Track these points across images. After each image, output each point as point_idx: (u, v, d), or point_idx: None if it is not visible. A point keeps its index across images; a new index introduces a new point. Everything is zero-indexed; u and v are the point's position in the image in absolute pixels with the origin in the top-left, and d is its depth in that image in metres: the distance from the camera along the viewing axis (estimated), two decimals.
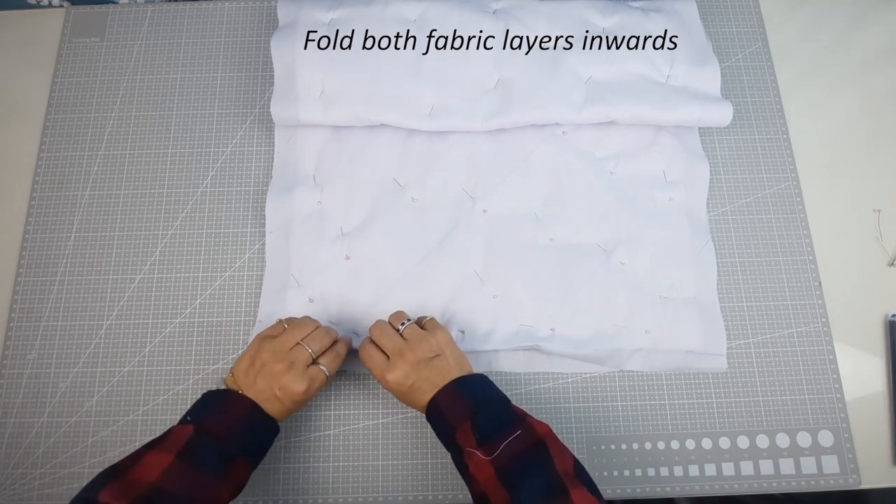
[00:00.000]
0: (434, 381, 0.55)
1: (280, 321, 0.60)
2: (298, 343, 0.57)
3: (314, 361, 0.57)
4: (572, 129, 0.72)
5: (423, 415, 0.57)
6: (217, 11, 0.79)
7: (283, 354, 0.56)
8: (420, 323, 0.60)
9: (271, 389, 0.55)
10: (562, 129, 0.72)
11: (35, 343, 0.66)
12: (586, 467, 0.62)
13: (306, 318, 0.61)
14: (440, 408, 0.54)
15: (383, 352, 0.58)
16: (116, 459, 0.61)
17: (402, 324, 0.59)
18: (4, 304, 0.67)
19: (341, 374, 0.65)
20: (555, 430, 0.62)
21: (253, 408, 0.54)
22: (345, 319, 0.65)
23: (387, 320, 0.61)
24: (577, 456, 0.63)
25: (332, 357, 0.59)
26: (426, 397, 0.55)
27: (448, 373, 0.56)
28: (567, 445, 0.62)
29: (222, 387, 0.57)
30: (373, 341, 0.59)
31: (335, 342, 0.60)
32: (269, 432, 0.56)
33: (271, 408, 0.55)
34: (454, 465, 0.54)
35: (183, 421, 0.53)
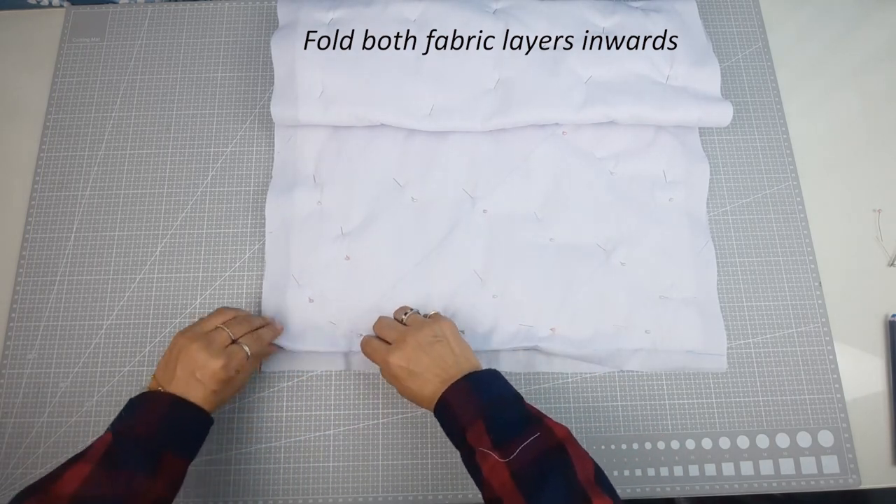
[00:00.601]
0: (436, 370, 0.55)
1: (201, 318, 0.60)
2: (218, 327, 0.57)
3: (234, 343, 0.57)
4: (572, 129, 0.72)
5: (427, 411, 0.56)
6: (217, 11, 0.79)
7: (200, 336, 0.56)
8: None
9: (191, 374, 0.54)
10: (562, 129, 0.72)
11: (35, 343, 0.66)
12: None
13: (225, 307, 0.61)
14: (450, 405, 0.53)
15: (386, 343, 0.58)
16: None
17: (405, 314, 0.60)
18: (4, 304, 0.67)
19: (341, 374, 0.65)
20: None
21: (173, 401, 0.53)
22: (345, 319, 0.65)
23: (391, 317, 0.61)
24: None
25: (254, 338, 0.59)
26: (429, 388, 0.54)
27: (453, 362, 0.55)
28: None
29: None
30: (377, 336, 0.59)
31: (260, 327, 0.60)
32: (196, 422, 0.54)
33: (195, 395, 0.54)
34: (463, 465, 0.53)
35: (106, 431, 0.52)
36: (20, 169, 0.72)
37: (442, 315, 0.60)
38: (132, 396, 0.54)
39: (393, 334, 0.58)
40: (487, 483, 0.48)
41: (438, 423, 0.55)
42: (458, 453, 0.62)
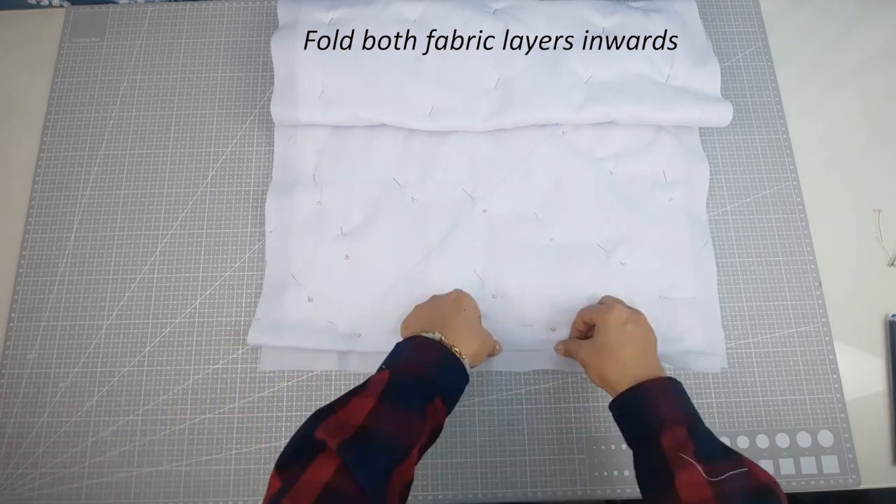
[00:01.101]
0: (642, 352, 0.55)
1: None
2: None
3: None
4: (572, 129, 0.72)
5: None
6: (217, 11, 0.79)
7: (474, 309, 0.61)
8: None
9: (439, 313, 0.58)
10: (562, 129, 0.72)
11: (35, 343, 0.66)
12: (586, 467, 0.62)
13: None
14: (651, 397, 0.51)
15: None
16: (116, 459, 0.62)
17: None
18: (4, 304, 0.67)
19: (341, 374, 0.65)
20: (556, 431, 0.62)
21: (443, 348, 0.54)
22: (344, 319, 0.65)
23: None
24: (577, 456, 0.63)
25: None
26: (634, 364, 0.53)
27: (656, 365, 0.55)
28: (567, 446, 0.63)
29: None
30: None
31: None
32: (460, 375, 0.54)
33: (454, 337, 0.55)
34: (634, 464, 0.51)
35: (379, 370, 0.53)
36: (20, 169, 0.72)
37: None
38: (399, 341, 0.56)
39: (619, 305, 0.58)
40: (677, 495, 0.45)
41: (613, 410, 0.54)
42: (457, 452, 0.62)
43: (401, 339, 0.57)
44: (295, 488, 0.41)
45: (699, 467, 0.45)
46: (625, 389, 0.52)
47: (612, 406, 0.54)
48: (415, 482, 0.61)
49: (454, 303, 0.60)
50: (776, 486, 0.46)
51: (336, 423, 0.46)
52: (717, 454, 0.47)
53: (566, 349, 0.62)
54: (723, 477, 0.45)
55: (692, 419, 0.50)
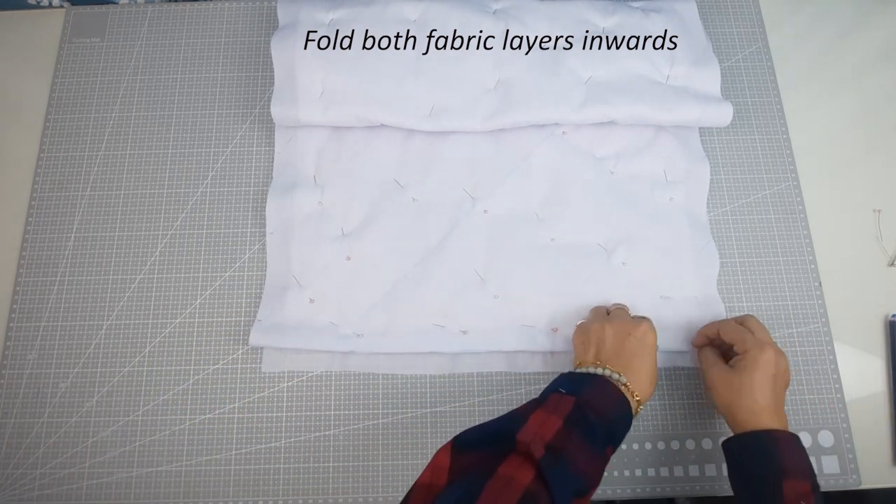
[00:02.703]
0: (774, 402, 0.54)
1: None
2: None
3: None
4: (572, 129, 0.72)
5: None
6: (217, 11, 0.79)
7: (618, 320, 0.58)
8: None
9: (650, 377, 0.55)
10: (562, 129, 0.72)
11: (35, 343, 0.66)
12: None
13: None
14: (779, 446, 0.52)
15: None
16: (116, 459, 0.62)
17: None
18: (4, 304, 0.67)
19: (341, 374, 0.65)
20: None
21: (621, 397, 0.52)
22: (345, 319, 0.65)
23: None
24: None
25: None
26: (761, 413, 0.53)
27: (782, 411, 0.55)
28: None
29: (584, 370, 0.55)
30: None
31: None
32: (628, 426, 0.53)
33: (639, 389, 0.54)
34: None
35: (554, 390, 0.51)
36: (20, 169, 0.72)
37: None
38: (564, 372, 0.55)
39: (759, 334, 0.57)
40: None
41: (726, 450, 0.55)
42: None
43: (575, 351, 0.56)
44: (496, 478, 0.41)
45: None
46: (752, 430, 0.53)
47: (730, 442, 0.54)
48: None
49: (642, 338, 0.56)
50: None
51: (534, 430, 0.46)
52: None
53: (701, 357, 0.60)
54: None
55: (815, 481, 0.51)
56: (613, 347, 0.56)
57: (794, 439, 0.53)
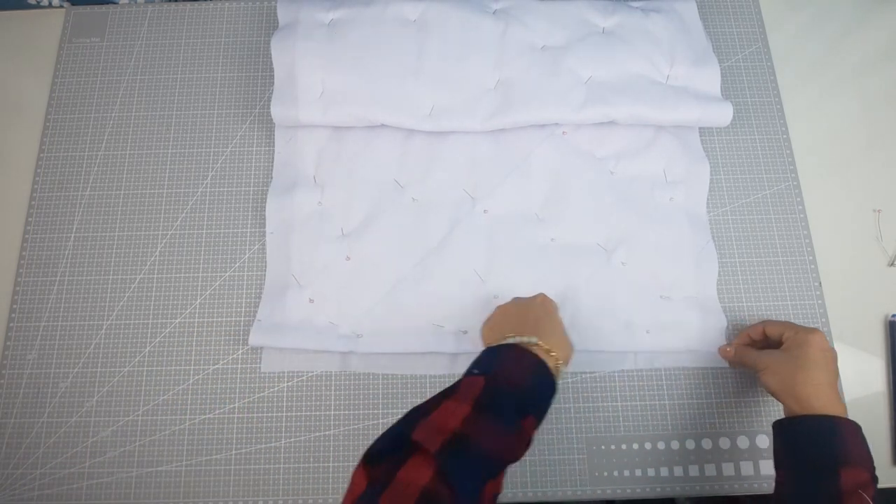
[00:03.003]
0: (831, 384, 0.54)
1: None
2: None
3: None
4: (572, 129, 0.72)
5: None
6: (217, 11, 0.79)
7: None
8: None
9: (562, 337, 0.56)
10: (562, 129, 0.72)
11: (35, 343, 0.66)
12: (586, 467, 0.62)
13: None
14: (842, 432, 0.52)
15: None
16: (116, 459, 0.62)
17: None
18: (4, 304, 0.67)
19: (341, 374, 0.65)
20: (556, 431, 0.61)
21: (540, 363, 0.52)
22: (345, 320, 0.65)
23: None
24: (577, 456, 0.63)
25: None
26: (822, 390, 0.53)
27: (837, 398, 0.55)
28: (567, 446, 0.63)
29: (506, 342, 0.54)
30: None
31: None
32: (551, 389, 0.52)
33: (561, 354, 0.54)
34: (783, 487, 0.52)
35: (469, 373, 0.51)
36: (20, 169, 0.72)
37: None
38: (490, 346, 0.54)
39: (794, 324, 0.59)
40: None
41: (775, 430, 0.55)
42: None
43: (484, 344, 0.56)
44: (392, 487, 0.40)
45: None
46: (813, 414, 0.53)
47: (785, 423, 0.54)
48: None
49: (542, 305, 0.58)
50: None
51: (433, 425, 0.45)
52: None
53: (739, 355, 0.61)
54: None
55: (874, 473, 0.51)
56: (517, 318, 0.57)
57: (857, 428, 0.53)
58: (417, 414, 0.46)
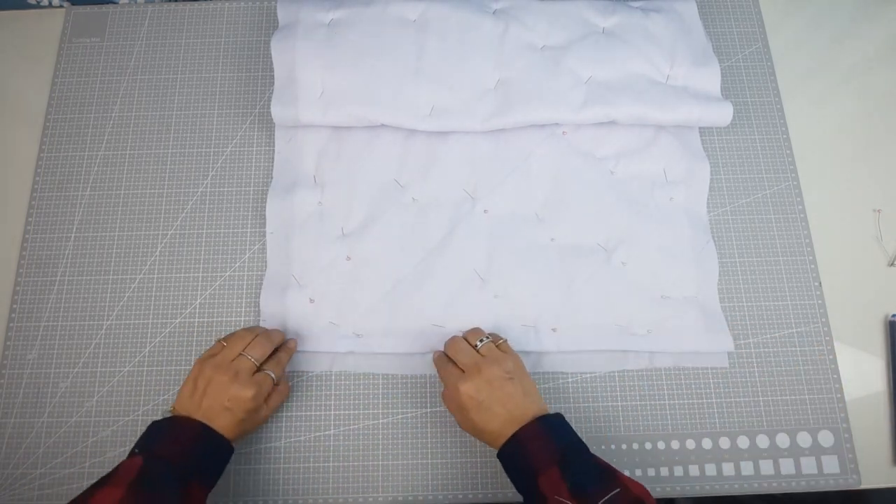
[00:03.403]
0: (505, 405, 0.54)
1: (218, 340, 0.59)
2: (240, 354, 0.57)
3: (259, 369, 0.57)
4: (572, 129, 0.72)
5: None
6: (217, 11, 0.79)
7: (227, 367, 0.56)
8: (494, 342, 0.59)
9: (220, 404, 0.54)
10: (562, 129, 0.72)
11: (35, 343, 0.66)
12: None
13: (243, 330, 0.60)
14: (524, 446, 0.52)
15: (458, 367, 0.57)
16: (116, 460, 0.61)
17: (481, 341, 0.58)
18: (4, 304, 0.67)
19: (341, 374, 0.65)
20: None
21: (203, 428, 0.53)
22: (345, 320, 0.65)
23: (461, 336, 0.60)
24: None
25: (275, 364, 0.59)
26: (495, 423, 0.53)
27: (521, 402, 0.54)
28: None
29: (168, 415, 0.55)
30: (447, 356, 0.59)
31: (278, 349, 0.61)
32: (221, 451, 0.54)
33: (222, 424, 0.54)
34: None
35: (131, 454, 0.51)
36: (20, 169, 0.72)
37: (510, 347, 0.60)
38: (155, 419, 0.54)
39: (467, 361, 0.56)
40: None
41: (501, 465, 0.54)
42: (458, 452, 0.62)
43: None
44: None
45: None
46: (504, 441, 0.53)
47: (499, 457, 0.54)
48: (412, 481, 0.62)
49: (198, 378, 0.56)
50: (648, 498, 0.48)
51: None
52: (591, 482, 0.48)
53: (445, 374, 0.58)
54: None
55: (563, 454, 0.51)
56: (191, 389, 0.56)
57: (534, 427, 0.52)
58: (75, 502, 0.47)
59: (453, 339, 0.60)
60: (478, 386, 0.54)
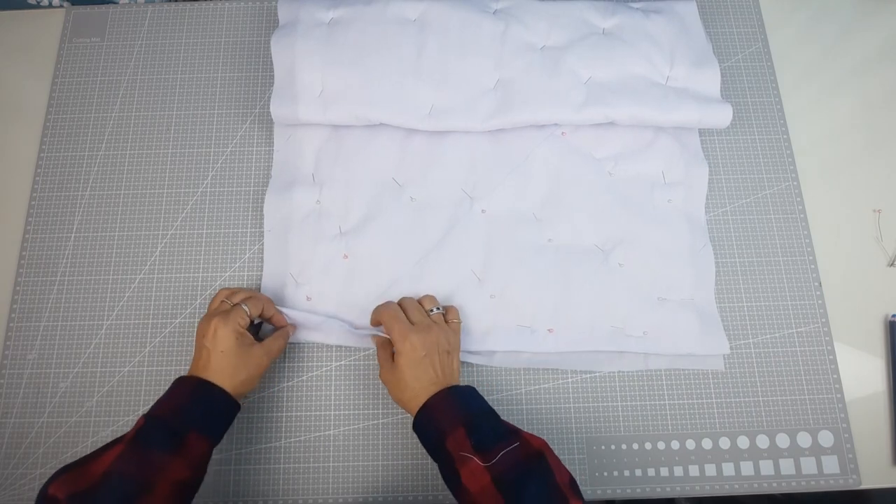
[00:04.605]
0: (435, 371, 0.56)
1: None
2: (222, 301, 0.60)
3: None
4: (572, 130, 0.72)
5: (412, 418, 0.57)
6: (217, 11, 0.79)
7: (206, 315, 0.59)
8: (446, 314, 0.62)
9: (201, 345, 0.57)
10: (561, 129, 0.72)
11: (35, 343, 0.66)
12: (586, 467, 0.62)
13: (222, 288, 0.63)
14: (433, 412, 0.55)
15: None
16: None
17: (437, 308, 0.61)
18: (4, 304, 0.67)
19: (342, 374, 0.65)
20: (556, 431, 0.62)
21: (198, 383, 0.55)
22: (343, 318, 0.65)
23: (416, 300, 0.62)
24: (577, 456, 0.63)
25: (254, 300, 0.60)
26: (418, 385, 0.56)
27: (448, 374, 0.57)
28: (567, 446, 0.63)
29: None
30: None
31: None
32: (220, 402, 0.55)
33: (214, 372, 0.56)
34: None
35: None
36: (20, 169, 0.72)
37: (459, 326, 0.62)
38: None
39: (419, 318, 0.59)
40: (465, 489, 0.50)
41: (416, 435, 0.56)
42: None
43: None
44: None
45: (476, 457, 0.50)
46: (418, 409, 0.55)
47: (414, 429, 0.56)
48: (412, 481, 0.62)
49: (211, 338, 0.57)
50: (546, 449, 0.51)
51: (75, 475, 0.48)
52: (493, 439, 0.51)
53: (378, 352, 0.62)
54: (496, 458, 0.49)
55: (471, 417, 0.53)
56: (195, 355, 0.59)
57: (444, 395, 0.55)
58: (67, 467, 0.49)
59: (408, 297, 0.62)
60: (424, 342, 0.57)
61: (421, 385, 0.56)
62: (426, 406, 0.55)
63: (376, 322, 0.62)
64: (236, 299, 0.60)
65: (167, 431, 0.52)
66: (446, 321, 0.62)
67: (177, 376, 0.64)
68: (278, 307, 0.63)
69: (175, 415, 0.53)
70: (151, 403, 0.63)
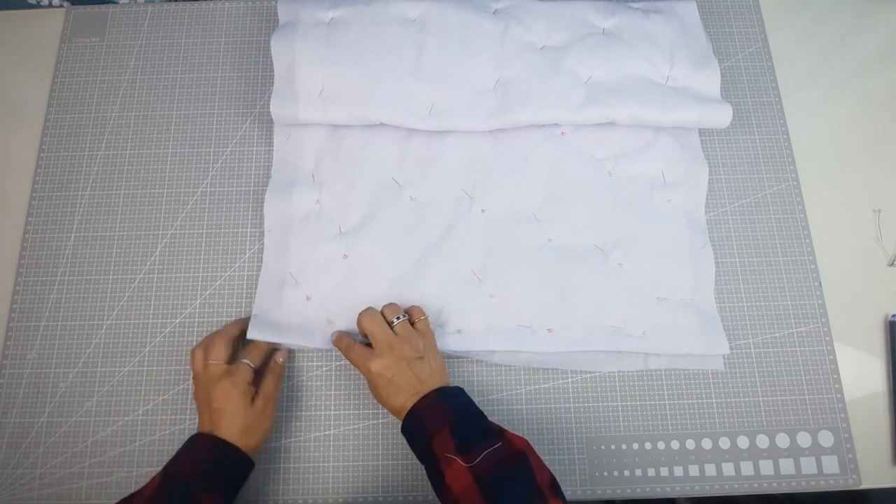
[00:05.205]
0: (412, 382, 0.56)
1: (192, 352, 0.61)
2: (208, 364, 0.59)
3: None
4: (571, 130, 0.72)
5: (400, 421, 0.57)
6: (217, 11, 0.79)
7: (203, 379, 0.59)
8: (411, 317, 0.61)
9: (213, 410, 0.57)
10: (561, 129, 0.72)
11: (35, 343, 0.66)
12: (586, 467, 0.62)
13: (198, 345, 0.61)
14: (420, 414, 0.55)
15: (367, 343, 0.60)
16: (116, 460, 0.62)
17: (397, 318, 0.60)
18: (4, 304, 0.67)
19: (342, 374, 0.65)
20: (555, 431, 0.62)
21: (214, 442, 0.55)
22: (342, 318, 0.65)
23: (379, 310, 0.61)
24: (577, 456, 0.63)
25: (255, 352, 0.61)
26: (400, 399, 0.56)
27: (427, 377, 0.57)
28: (567, 446, 0.63)
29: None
30: (361, 327, 0.60)
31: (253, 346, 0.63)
32: (233, 461, 0.56)
33: (226, 429, 0.56)
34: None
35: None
36: (20, 169, 0.72)
37: (429, 326, 0.62)
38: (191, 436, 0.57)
39: (380, 335, 0.58)
40: (448, 489, 0.50)
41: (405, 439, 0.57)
42: None
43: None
44: None
45: (459, 458, 0.50)
46: (405, 414, 0.56)
47: (402, 432, 0.57)
48: (412, 481, 0.62)
49: (217, 386, 0.58)
50: (528, 449, 0.51)
51: None
52: (477, 439, 0.52)
53: (344, 346, 0.61)
54: (479, 459, 0.50)
55: (456, 418, 0.54)
56: (200, 409, 0.59)
57: (431, 397, 0.55)
58: None
59: (370, 310, 0.61)
60: (388, 364, 0.57)
61: (404, 398, 0.56)
62: (414, 409, 0.55)
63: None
64: (216, 356, 0.59)
65: (185, 493, 0.52)
66: (412, 323, 0.61)
67: (176, 377, 0.65)
68: (278, 340, 0.63)
69: (193, 475, 0.53)
70: (151, 403, 0.64)
